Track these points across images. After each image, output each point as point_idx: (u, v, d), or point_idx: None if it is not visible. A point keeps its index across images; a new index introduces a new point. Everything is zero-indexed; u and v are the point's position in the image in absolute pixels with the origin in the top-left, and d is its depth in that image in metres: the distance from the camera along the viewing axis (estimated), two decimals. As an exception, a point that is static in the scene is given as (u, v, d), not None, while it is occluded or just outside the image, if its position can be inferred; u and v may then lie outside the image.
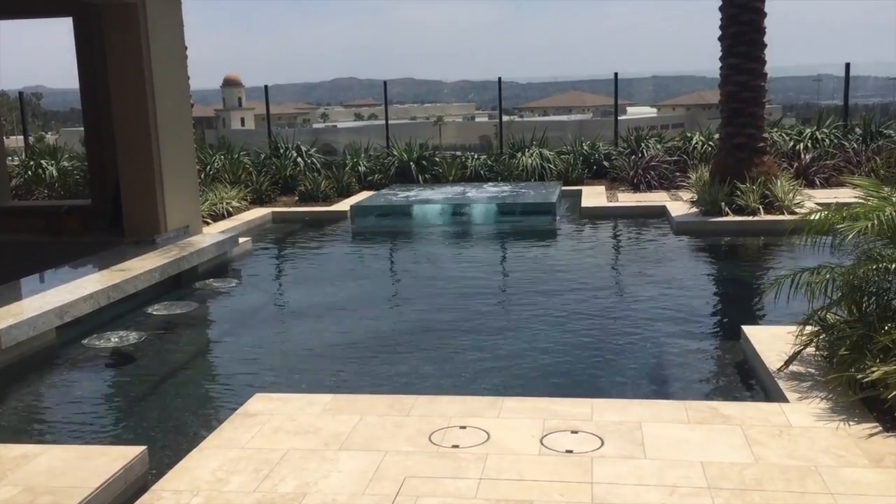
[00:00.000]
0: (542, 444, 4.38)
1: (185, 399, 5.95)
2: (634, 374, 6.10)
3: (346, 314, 8.09)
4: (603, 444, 4.35)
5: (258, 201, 14.97)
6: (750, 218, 11.45)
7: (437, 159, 16.84)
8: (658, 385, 5.93)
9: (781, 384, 5.10)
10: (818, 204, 12.09)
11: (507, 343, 6.85)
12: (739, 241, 11.12)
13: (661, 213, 12.76)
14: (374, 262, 11.33)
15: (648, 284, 8.77)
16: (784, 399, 4.90)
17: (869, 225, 4.96)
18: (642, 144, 16.37)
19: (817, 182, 14.18)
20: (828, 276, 5.20)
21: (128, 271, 8.49)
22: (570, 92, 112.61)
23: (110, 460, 4.32)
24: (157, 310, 8.20)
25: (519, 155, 16.53)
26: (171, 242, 10.01)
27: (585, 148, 16.83)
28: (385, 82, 19.91)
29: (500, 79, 18.59)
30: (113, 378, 6.72)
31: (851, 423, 4.48)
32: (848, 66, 17.06)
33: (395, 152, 17.06)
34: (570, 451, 4.27)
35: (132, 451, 4.43)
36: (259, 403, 5.15)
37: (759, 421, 4.58)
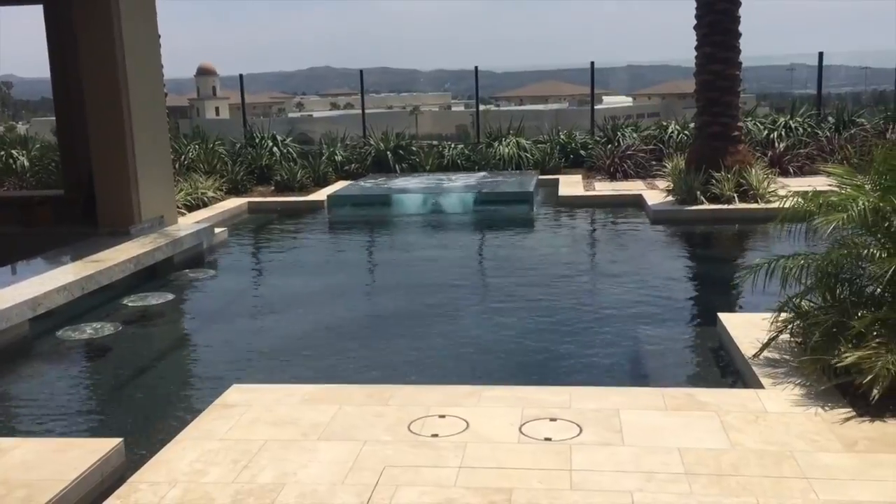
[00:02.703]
0: (521, 432, 4.39)
1: (161, 390, 5.91)
2: (612, 361, 6.13)
3: (323, 304, 8.06)
4: (581, 431, 4.37)
5: (234, 191, 14.85)
6: (725, 206, 11.55)
7: (413, 149, 16.81)
8: (635, 372, 5.98)
9: (757, 370, 5.15)
10: (792, 192, 12.22)
11: (483, 331, 6.86)
12: (715, 229, 11.21)
13: (637, 201, 12.82)
14: (352, 251, 11.29)
15: (625, 273, 8.82)
16: (760, 385, 4.95)
17: (845, 217, 5.00)
18: (619, 134, 16.44)
19: (791, 170, 14.31)
20: (802, 262, 5.24)
21: (102, 262, 8.40)
22: (546, 81, 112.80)
23: (86, 453, 4.28)
24: (132, 301, 8.12)
25: (496, 144, 16.53)
26: (145, 233, 9.91)
27: (562, 137, 16.87)
28: (361, 71, 19.81)
29: (476, 68, 18.56)
30: (88, 370, 6.65)
31: (826, 408, 4.53)
32: (821, 55, 17.23)
33: (372, 142, 17.00)
34: (549, 439, 4.29)
35: (108, 444, 4.39)
36: (237, 394, 5.12)
37: (735, 407, 4.63)
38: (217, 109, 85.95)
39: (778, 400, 4.69)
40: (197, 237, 10.39)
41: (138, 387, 5.97)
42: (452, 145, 17.04)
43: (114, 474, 4.28)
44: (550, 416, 4.57)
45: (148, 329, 7.52)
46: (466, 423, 4.52)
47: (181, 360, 6.85)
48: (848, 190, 5.30)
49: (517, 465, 4.01)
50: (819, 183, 13.24)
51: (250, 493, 3.83)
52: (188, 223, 11.30)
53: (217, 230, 11.15)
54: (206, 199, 13.59)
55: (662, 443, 4.20)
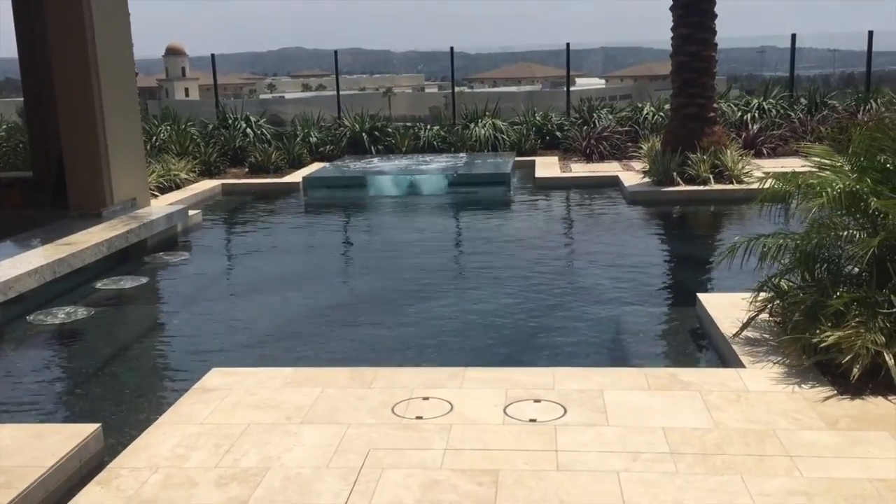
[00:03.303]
0: (505, 413, 4.38)
1: (138, 375, 5.82)
2: (593, 342, 6.14)
3: (299, 286, 8.00)
4: (566, 412, 4.37)
5: (207, 173, 14.66)
6: (701, 187, 11.60)
7: (389, 130, 16.70)
8: (617, 353, 5.99)
9: (737, 350, 5.18)
10: (767, 173, 12.31)
11: (462, 314, 6.83)
12: (691, 210, 11.27)
13: (613, 182, 12.85)
14: (328, 234, 11.19)
15: (603, 254, 8.85)
16: (740, 364, 4.98)
17: (823, 200, 5.03)
18: (594, 115, 16.44)
19: (765, 152, 14.40)
20: (781, 242, 5.27)
21: (74, 245, 8.25)
22: (519, 63, 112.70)
23: (64, 438, 4.20)
24: (105, 284, 8.00)
25: (472, 126, 16.47)
26: (118, 215, 9.75)
27: (538, 119, 16.85)
28: (336, 52, 19.59)
29: (452, 49, 18.45)
30: (61, 355, 6.53)
31: (806, 386, 4.57)
32: (794, 37, 17.33)
33: (347, 123, 16.86)
34: (534, 420, 4.28)
35: (86, 429, 4.31)
36: (217, 378, 5.05)
37: (717, 386, 4.65)
38: (186, 90, 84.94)
39: (759, 379, 4.72)
40: (170, 220, 10.24)
41: (114, 371, 5.88)
42: (428, 127, 16.95)
43: (92, 460, 4.21)
44: (535, 398, 4.57)
45: (122, 313, 7.40)
46: (451, 404, 4.50)
47: (157, 345, 6.76)
48: (826, 173, 5.32)
49: (503, 446, 4.00)
50: (792, 164, 13.38)
51: (234, 477, 3.78)
52: (161, 206, 11.14)
53: (191, 212, 11.00)
54: (178, 180, 13.40)
55: (647, 423, 4.21)
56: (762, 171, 12.24)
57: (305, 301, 7.48)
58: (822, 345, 4.64)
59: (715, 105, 12.58)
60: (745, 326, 5.42)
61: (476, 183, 12.95)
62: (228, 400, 4.68)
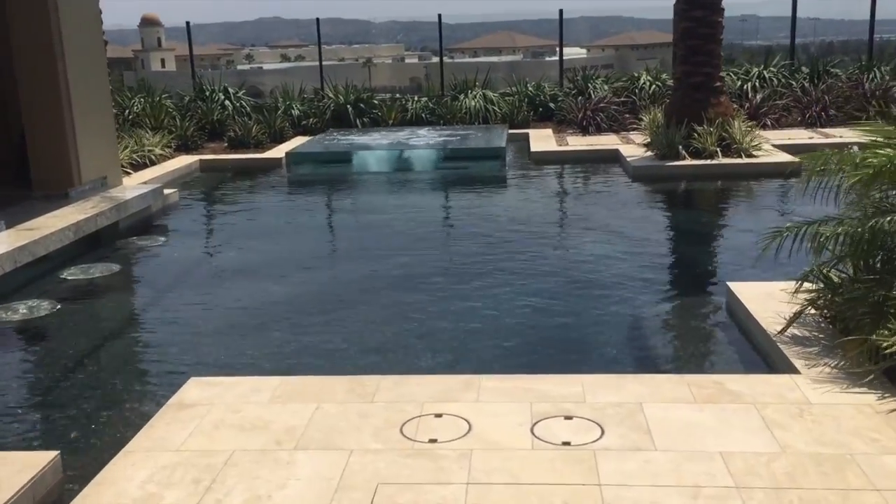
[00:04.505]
0: (533, 434, 3.76)
1: (106, 385, 5.12)
2: (616, 341, 5.51)
3: (285, 273, 7.33)
4: (603, 432, 3.76)
5: (184, 148, 13.86)
6: (708, 161, 10.98)
7: (375, 102, 15.92)
8: (643, 352, 5.37)
9: (786, 350, 4.59)
10: (775, 146, 11.75)
11: (465, 307, 6.18)
12: (700, 186, 10.66)
13: (614, 157, 12.21)
14: (314, 214, 10.48)
15: (613, 236, 8.20)
16: (793, 369, 4.39)
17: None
18: (589, 85, 15.74)
19: (768, 123, 13.79)
20: (840, 230, 4.65)
21: (37, 230, 7.52)
22: (499, 32, 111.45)
23: (15, 471, 3.54)
24: (72, 274, 7.29)
25: (462, 97, 15.73)
26: (86, 196, 9.00)
27: (530, 89, 16.14)
28: (318, 20, 18.71)
29: (440, 16, 17.62)
30: (19, 360, 5.78)
31: (874, 397, 3.99)
32: (795, 2, 16.66)
33: (331, 95, 16.07)
34: (568, 444, 3.67)
35: (42, 458, 3.66)
36: (196, 390, 4.40)
37: (772, 397, 4.06)
38: (163, 61, 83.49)
39: (819, 388, 4.13)
40: (144, 200, 9.51)
41: (79, 380, 5.18)
42: (416, 98, 16.19)
43: (49, 496, 3.57)
44: (565, 414, 3.95)
45: (91, 307, 6.70)
46: (468, 423, 3.88)
47: (129, 345, 6.04)
48: (888, 150, 4.70)
49: (535, 478, 3.39)
50: (799, 136, 12.91)
51: (217, 525, 3.15)
52: (134, 184, 10.39)
53: (166, 191, 10.26)
54: (153, 157, 12.61)
55: (700, 446, 3.61)
56: (770, 143, 11.83)
57: (293, 289, 6.81)
58: (891, 349, 4.04)
59: (722, 73, 11.93)
60: (791, 322, 4.83)
61: (469, 157, 12.26)
62: (209, 419, 4.04)
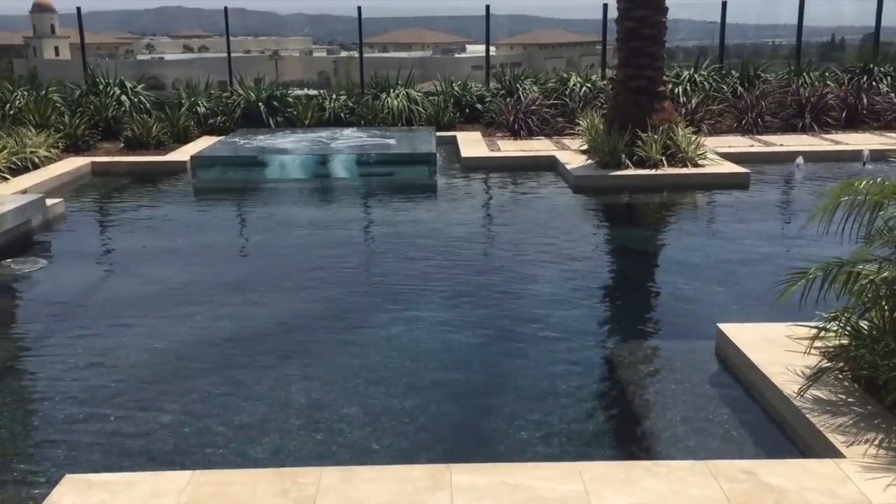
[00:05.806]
0: (535, 566, 2.81)
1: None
2: (587, 405, 4.61)
3: (193, 307, 6.17)
4: (628, 561, 2.84)
5: (73, 149, 12.35)
6: (653, 171, 10.30)
7: (290, 100, 14.69)
8: (629, 424, 4.46)
9: (815, 421, 3.80)
10: (720, 154, 11.13)
11: (392, 349, 5.22)
12: (647, 199, 9.91)
13: (551, 164, 11.41)
14: (224, 228, 9.24)
15: (564, 259, 7.27)
16: (835, 451, 3.59)
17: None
18: (518, 86, 14.94)
19: (704, 128, 13.23)
20: (885, 272, 3.86)
21: None
22: (409, 28, 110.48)
23: None
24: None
25: (383, 96, 14.67)
26: (-51, 210, 7.58)
27: (457, 89, 15.24)
28: (226, 8, 17.28)
29: (360, 8, 16.48)
30: None
31: (945, 492, 3.21)
32: (724, 4, 16.29)
33: (241, 91, 14.75)
34: (586, 582, 2.74)
35: None
36: (71, 497, 3.28)
37: (823, 495, 3.23)
38: (56, 49, 79.51)
39: (874, 479, 3.33)
40: (22, 213, 8.14)
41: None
42: (334, 97, 15.04)
43: None
44: (572, 531, 3.02)
45: (-55, 356, 5.39)
46: (447, 551, 2.90)
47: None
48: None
49: None
50: (738, 143, 12.39)
51: None
52: (10, 194, 8.97)
53: (50, 201, 8.89)
54: (36, 159, 11.11)
55: (759, 581, 2.73)
56: (713, 151, 11.24)
57: (201, 330, 5.68)
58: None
59: (665, 77, 11.28)
60: (813, 382, 4.05)
61: (396, 163, 11.25)
62: (88, 551, 2.93)
